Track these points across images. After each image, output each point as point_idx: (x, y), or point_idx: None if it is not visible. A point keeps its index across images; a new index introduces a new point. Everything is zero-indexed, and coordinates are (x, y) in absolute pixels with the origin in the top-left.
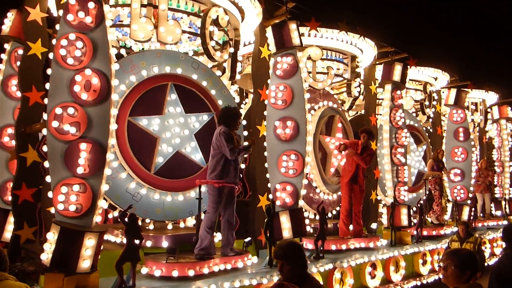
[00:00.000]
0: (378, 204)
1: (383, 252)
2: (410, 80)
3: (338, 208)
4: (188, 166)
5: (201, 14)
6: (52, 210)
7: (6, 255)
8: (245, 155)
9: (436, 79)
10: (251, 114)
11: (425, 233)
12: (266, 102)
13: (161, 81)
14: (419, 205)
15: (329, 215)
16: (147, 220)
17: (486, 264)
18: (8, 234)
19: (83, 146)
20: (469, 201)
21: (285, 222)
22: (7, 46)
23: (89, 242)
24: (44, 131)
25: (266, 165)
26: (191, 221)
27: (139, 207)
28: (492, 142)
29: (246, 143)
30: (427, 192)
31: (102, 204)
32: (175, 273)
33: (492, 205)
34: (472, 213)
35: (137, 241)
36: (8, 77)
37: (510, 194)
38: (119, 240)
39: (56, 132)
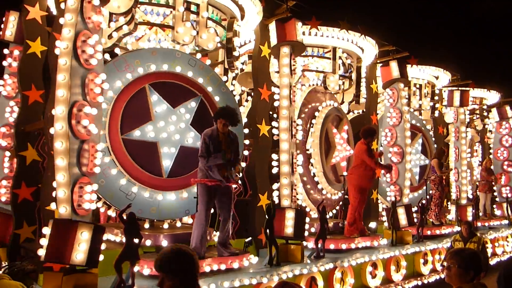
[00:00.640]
0: (378, 203)
1: (384, 252)
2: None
3: (337, 207)
4: (152, 163)
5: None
6: (52, 207)
7: None
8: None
9: (437, 78)
10: (251, 113)
11: (428, 232)
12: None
13: (196, 88)
14: (420, 205)
15: (330, 214)
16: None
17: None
18: None
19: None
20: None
21: (290, 219)
22: (6, 51)
23: (83, 235)
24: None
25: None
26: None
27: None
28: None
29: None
30: (431, 192)
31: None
32: None
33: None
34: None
35: (136, 240)
36: None
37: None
38: (119, 239)
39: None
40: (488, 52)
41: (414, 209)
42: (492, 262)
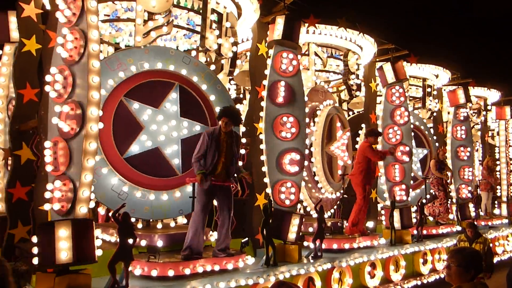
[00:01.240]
0: (377, 203)
1: (383, 252)
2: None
3: (335, 207)
4: (163, 167)
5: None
6: (46, 207)
7: None
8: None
9: (437, 76)
10: (248, 112)
11: (433, 232)
12: None
13: (169, 78)
14: (419, 204)
15: (328, 213)
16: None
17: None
18: None
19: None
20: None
21: (296, 225)
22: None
23: (61, 233)
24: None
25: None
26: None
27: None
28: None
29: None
30: (431, 192)
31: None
32: (154, 273)
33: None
34: (475, 212)
35: (130, 241)
36: None
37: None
38: (114, 239)
39: None
40: (488, 51)
41: (413, 208)
42: (493, 260)
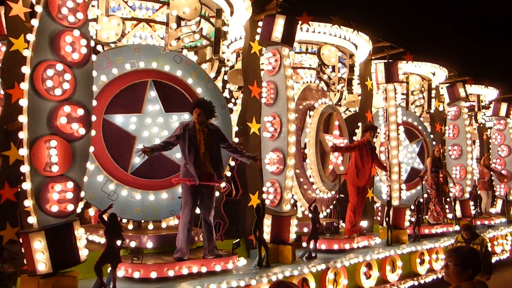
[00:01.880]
0: (374, 202)
1: (379, 252)
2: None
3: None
4: (167, 166)
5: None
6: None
7: None
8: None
9: (434, 74)
10: (241, 111)
11: (426, 231)
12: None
13: (140, 77)
14: (416, 203)
15: (324, 213)
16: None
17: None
18: None
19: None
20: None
21: (295, 226)
22: None
23: (36, 244)
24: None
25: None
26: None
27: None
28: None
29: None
30: (428, 191)
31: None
32: (136, 275)
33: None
34: (473, 211)
35: (118, 242)
36: None
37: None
38: (104, 240)
39: None
40: (485, 48)
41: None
42: (491, 260)
